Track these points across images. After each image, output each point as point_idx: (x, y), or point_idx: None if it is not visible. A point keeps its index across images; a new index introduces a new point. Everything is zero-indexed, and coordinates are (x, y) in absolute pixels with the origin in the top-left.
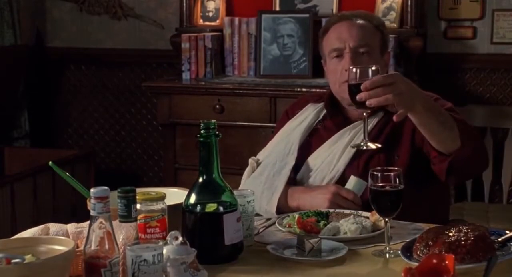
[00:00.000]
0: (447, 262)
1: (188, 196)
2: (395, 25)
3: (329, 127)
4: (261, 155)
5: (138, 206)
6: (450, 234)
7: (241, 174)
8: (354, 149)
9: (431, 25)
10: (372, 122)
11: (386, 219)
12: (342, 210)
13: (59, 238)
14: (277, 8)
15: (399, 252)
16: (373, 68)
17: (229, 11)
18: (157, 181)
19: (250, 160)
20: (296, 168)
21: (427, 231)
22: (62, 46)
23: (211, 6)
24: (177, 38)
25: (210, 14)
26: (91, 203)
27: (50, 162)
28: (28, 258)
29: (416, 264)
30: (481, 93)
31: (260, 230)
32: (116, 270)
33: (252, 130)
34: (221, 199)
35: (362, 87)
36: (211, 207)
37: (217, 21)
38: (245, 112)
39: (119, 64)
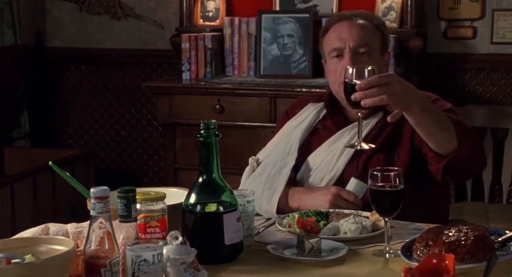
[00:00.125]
0: (447, 262)
1: (188, 196)
2: (395, 25)
3: (329, 127)
4: (261, 155)
5: (138, 206)
6: (450, 234)
7: (241, 174)
8: (353, 149)
9: (431, 25)
10: (371, 122)
11: (386, 219)
12: (342, 210)
13: (59, 238)
14: (277, 8)
15: (399, 252)
16: (369, 68)
17: (229, 11)
18: (157, 181)
19: (250, 159)
20: (296, 168)
21: (427, 231)
22: (62, 46)
23: (211, 6)
24: (177, 38)
25: (210, 14)
26: (91, 203)
27: (50, 162)
28: (28, 258)
29: (416, 264)
30: (481, 93)
31: (260, 230)
32: (116, 270)
33: (252, 130)
34: (221, 199)
35: (357, 87)
36: (211, 207)
37: (217, 21)
38: (245, 112)
39: (119, 64)
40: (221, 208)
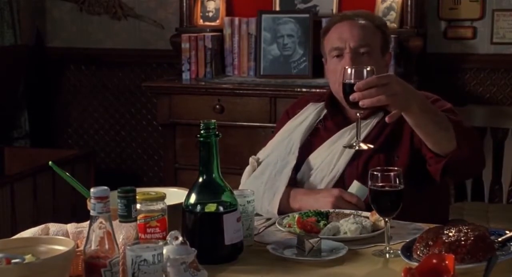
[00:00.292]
0: (447, 262)
1: (188, 196)
2: (395, 25)
3: (329, 126)
4: (261, 154)
5: (138, 206)
6: (450, 234)
7: (241, 174)
8: (353, 150)
9: (431, 25)
10: (372, 123)
11: (386, 219)
12: (342, 210)
13: (59, 238)
14: (277, 8)
15: (399, 252)
16: (368, 68)
17: (229, 11)
18: (157, 181)
19: (250, 159)
20: (296, 168)
21: (427, 231)
22: (62, 46)
23: (211, 6)
24: (177, 38)
25: (210, 14)
26: (91, 203)
27: (50, 162)
28: (28, 258)
29: (416, 264)
30: (481, 93)
31: (260, 230)
32: (116, 270)
33: (252, 130)
34: (221, 199)
35: (355, 87)
36: (211, 207)
37: (217, 21)
38: (245, 112)
39: (119, 64)
40: (221, 208)
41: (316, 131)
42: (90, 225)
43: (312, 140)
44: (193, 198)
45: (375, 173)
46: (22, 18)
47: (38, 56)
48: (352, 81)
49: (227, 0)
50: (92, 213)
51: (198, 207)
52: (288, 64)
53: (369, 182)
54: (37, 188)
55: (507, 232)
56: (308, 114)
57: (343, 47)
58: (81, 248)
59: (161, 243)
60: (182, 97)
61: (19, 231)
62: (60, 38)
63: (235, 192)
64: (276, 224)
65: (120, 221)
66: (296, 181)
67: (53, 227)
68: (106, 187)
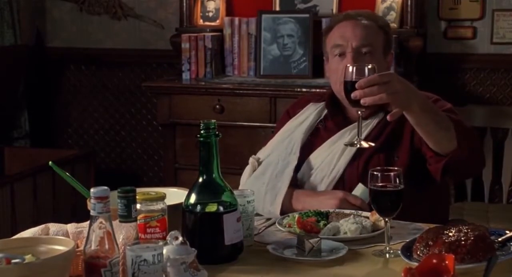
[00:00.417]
0: (447, 262)
1: (188, 196)
2: (395, 25)
3: (330, 126)
4: (261, 154)
5: (138, 206)
6: (450, 234)
7: (241, 174)
8: (354, 150)
9: (431, 25)
10: (372, 123)
11: (386, 219)
12: (342, 210)
13: (59, 238)
14: (277, 8)
15: (399, 252)
16: (369, 66)
17: (229, 11)
18: (157, 181)
19: (250, 159)
20: (297, 167)
21: (427, 231)
22: (62, 46)
23: (211, 6)
24: (177, 38)
25: (210, 14)
26: (91, 203)
27: (50, 162)
28: (28, 258)
29: (416, 264)
30: (481, 93)
31: (260, 230)
32: (116, 270)
33: (252, 130)
34: (221, 199)
35: (357, 85)
36: (211, 207)
37: (217, 21)
38: (245, 112)
39: (119, 64)
40: (221, 208)
41: (316, 131)
42: (90, 225)
43: (312, 140)
44: (193, 198)
45: (375, 173)
46: (22, 18)
47: (38, 56)
48: (354, 79)
49: (227, 0)
50: (92, 213)
51: (198, 207)
52: (288, 64)
53: (369, 182)
54: (37, 188)
55: (507, 232)
56: (309, 114)
57: (345, 45)
58: (81, 248)
59: (161, 243)
60: (182, 97)
61: (19, 231)
62: (60, 38)
63: (235, 192)
64: (276, 224)
65: (120, 221)
66: (297, 182)
67: (53, 227)
68: (106, 187)
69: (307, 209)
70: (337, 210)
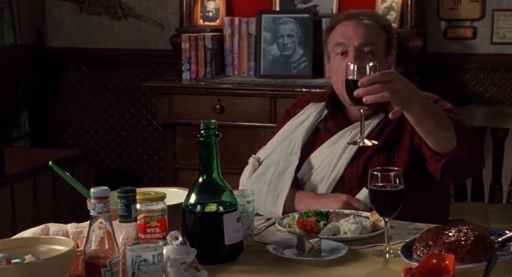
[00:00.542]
0: (447, 262)
1: (188, 196)
2: (395, 25)
3: (330, 127)
4: (261, 154)
5: (138, 206)
6: (450, 234)
7: (241, 174)
8: (354, 150)
9: (431, 25)
10: (372, 123)
11: (386, 219)
12: (342, 210)
13: (59, 238)
14: (277, 8)
15: (399, 252)
16: (371, 64)
17: (229, 11)
18: (157, 181)
19: (250, 159)
20: (297, 167)
21: (427, 231)
22: (62, 46)
23: (211, 6)
24: (177, 38)
25: (210, 14)
26: (91, 203)
27: (50, 162)
28: (28, 258)
29: (416, 264)
30: (481, 93)
31: (260, 230)
32: (116, 270)
33: (252, 130)
34: (221, 199)
35: (359, 83)
36: (211, 207)
37: (217, 21)
38: (245, 112)
39: (119, 64)
40: (221, 208)
41: (316, 131)
42: (90, 225)
43: (313, 140)
44: (193, 198)
45: (375, 173)
46: (22, 18)
47: (38, 56)
48: (355, 77)
49: (227, 0)
50: (92, 213)
51: (198, 207)
52: (288, 64)
53: (369, 182)
54: (37, 188)
55: (507, 232)
56: (309, 114)
57: (347, 43)
58: (81, 248)
59: (161, 243)
60: (182, 97)
61: (19, 231)
62: (60, 38)
63: (235, 192)
64: (276, 224)
65: (120, 221)
66: (298, 182)
67: (53, 227)
68: (106, 187)
69: None
70: (337, 210)
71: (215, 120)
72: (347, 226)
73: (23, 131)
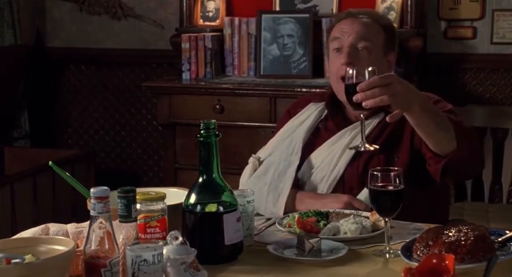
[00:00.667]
0: (447, 262)
1: (188, 196)
2: (395, 25)
3: (330, 127)
4: (261, 153)
5: (138, 206)
6: (450, 234)
7: (241, 174)
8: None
9: (431, 25)
10: (373, 123)
11: (386, 219)
12: (342, 210)
13: (59, 238)
14: (277, 8)
15: (399, 252)
16: (370, 69)
17: (229, 11)
18: (157, 181)
19: (251, 158)
20: (297, 167)
21: (427, 231)
22: (62, 46)
23: (211, 6)
24: (177, 38)
25: (210, 14)
26: (91, 203)
27: (50, 162)
28: (28, 258)
29: (416, 264)
30: (481, 93)
31: (260, 230)
32: (116, 270)
33: (252, 130)
34: (221, 199)
35: (358, 88)
36: (211, 207)
37: (217, 21)
38: (245, 112)
39: (119, 64)
40: (221, 208)
41: (317, 131)
42: (90, 225)
43: (313, 140)
44: (193, 198)
45: (375, 173)
46: (22, 18)
47: (38, 56)
48: (354, 82)
49: (227, 0)
50: (92, 213)
51: (198, 207)
52: (288, 64)
53: (369, 182)
54: (37, 188)
55: (507, 232)
56: (310, 114)
57: (342, 38)
58: (81, 248)
59: (161, 243)
60: (182, 97)
61: (19, 231)
62: (60, 38)
63: (235, 192)
64: (276, 224)
65: (120, 221)
66: (298, 181)
67: (53, 227)
68: (106, 187)
69: None
70: (337, 210)
71: (215, 120)
72: (347, 226)
73: (23, 131)
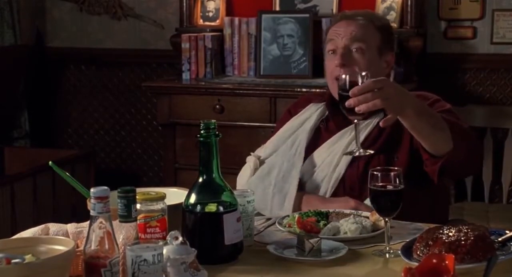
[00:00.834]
0: (447, 262)
1: (188, 196)
2: (395, 25)
3: (331, 127)
4: (261, 152)
5: (138, 206)
6: (450, 234)
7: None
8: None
9: (431, 25)
10: (373, 123)
11: (386, 219)
12: (342, 210)
13: (59, 238)
14: (277, 8)
15: (399, 252)
16: (363, 73)
17: (229, 11)
18: (157, 181)
19: (250, 157)
20: None
21: (427, 231)
22: (62, 46)
23: (211, 6)
24: (177, 38)
25: (210, 14)
26: (91, 203)
27: (50, 162)
28: (28, 258)
29: (416, 264)
30: (481, 93)
31: (260, 230)
32: (116, 270)
33: (252, 130)
34: (221, 199)
35: (350, 93)
36: (211, 207)
37: (217, 21)
38: (245, 112)
39: (119, 64)
40: (221, 208)
41: (318, 131)
42: (90, 225)
43: (314, 140)
44: (193, 198)
45: (375, 173)
46: (22, 18)
47: (38, 56)
48: (347, 87)
49: (227, 0)
50: (92, 213)
51: (198, 207)
52: (288, 64)
53: (369, 182)
54: (37, 188)
55: (507, 232)
56: (310, 114)
57: (336, 40)
58: (81, 248)
59: (161, 243)
60: (182, 97)
61: (19, 231)
62: (60, 38)
63: (235, 192)
64: (276, 224)
65: (120, 221)
66: (299, 181)
67: (53, 227)
68: (106, 187)
69: None
70: (337, 210)
71: (215, 120)
72: (347, 226)
73: (23, 131)
